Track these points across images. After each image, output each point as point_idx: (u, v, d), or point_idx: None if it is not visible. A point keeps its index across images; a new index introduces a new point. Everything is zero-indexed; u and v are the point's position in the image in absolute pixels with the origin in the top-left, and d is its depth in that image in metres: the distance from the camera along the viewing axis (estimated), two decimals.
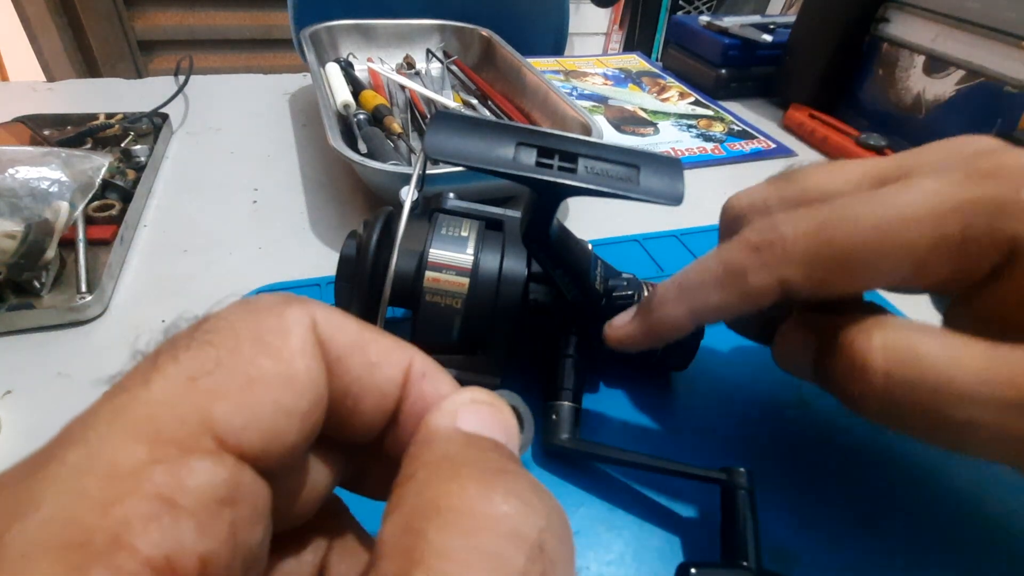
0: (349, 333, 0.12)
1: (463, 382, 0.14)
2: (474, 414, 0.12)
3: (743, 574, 0.20)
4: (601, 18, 1.88)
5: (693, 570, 0.20)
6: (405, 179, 0.37)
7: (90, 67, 1.47)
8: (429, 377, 0.13)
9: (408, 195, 0.23)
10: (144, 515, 0.08)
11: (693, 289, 0.21)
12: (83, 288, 0.32)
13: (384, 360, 0.13)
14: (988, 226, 0.17)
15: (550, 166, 0.19)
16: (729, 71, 0.66)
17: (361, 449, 0.14)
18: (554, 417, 0.25)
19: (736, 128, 0.60)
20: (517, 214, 0.27)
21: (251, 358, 0.10)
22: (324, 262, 0.37)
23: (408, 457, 0.11)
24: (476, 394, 0.13)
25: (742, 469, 0.23)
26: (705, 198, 0.36)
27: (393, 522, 0.10)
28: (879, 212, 0.18)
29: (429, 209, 0.28)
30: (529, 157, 0.19)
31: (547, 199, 0.20)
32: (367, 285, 0.25)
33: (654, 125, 0.59)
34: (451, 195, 0.28)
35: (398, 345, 0.13)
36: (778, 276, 0.19)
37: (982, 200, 0.17)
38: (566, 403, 0.25)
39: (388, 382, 0.13)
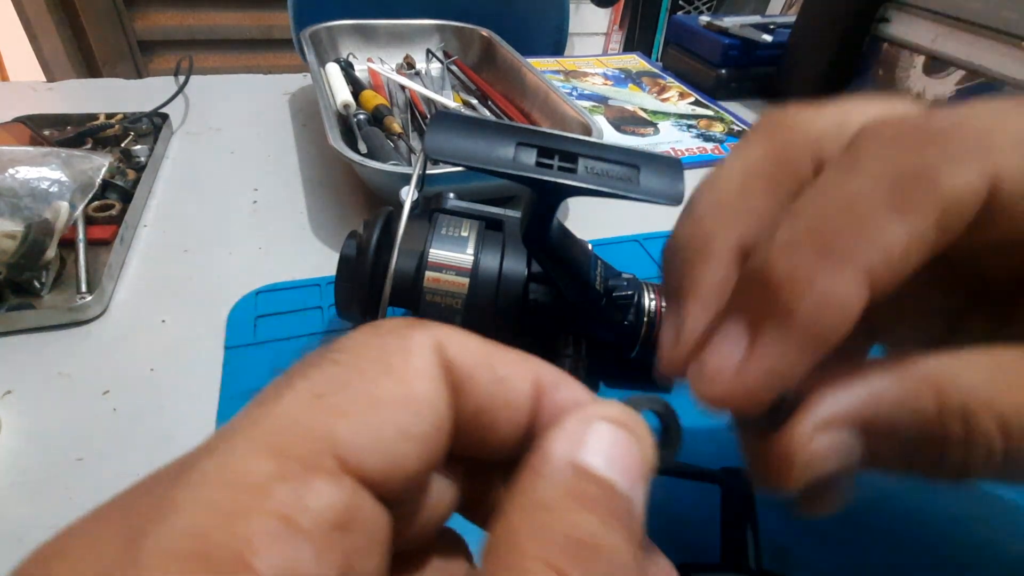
0: (474, 351, 0.12)
1: None
2: (602, 441, 0.11)
3: (743, 574, 0.20)
4: (601, 18, 1.88)
5: (693, 572, 0.20)
6: (405, 179, 0.37)
7: (90, 67, 1.47)
8: (562, 386, 0.12)
9: (408, 195, 0.23)
10: (266, 534, 0.09)
11: (842, 233, 0.12)
12: (83, 288, 0.32)
13: (511, 373, 0.12)
14: None
15: (550, 166, 0.19)
16: (729, 71, 0.66)
17: (485, 472, 0.13)
18: None
19: (736, 128, 0.60)
20: (517, 214, 0.27)
21: (374, 378, 0.11)
22: (324, 262, 0.37)
23: (515, 486, 0.10)
24: (612, 410, 0.11)
25: (743, 469, 0.23)
26: None
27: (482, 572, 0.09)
28: None
29: (429, 209, 0.28)
30: (529, 157, 0.19)
31: (547, 199, 0.20)
32: (367, 285, 0.25)
33: (654, 125, 0.59)
34: (451, 195, 0.28)
35: (523, 357, 0.12)
36: (986, 168, 0.12)
37: None
38: None
39: (518, 395, 0.12)
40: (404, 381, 0.11)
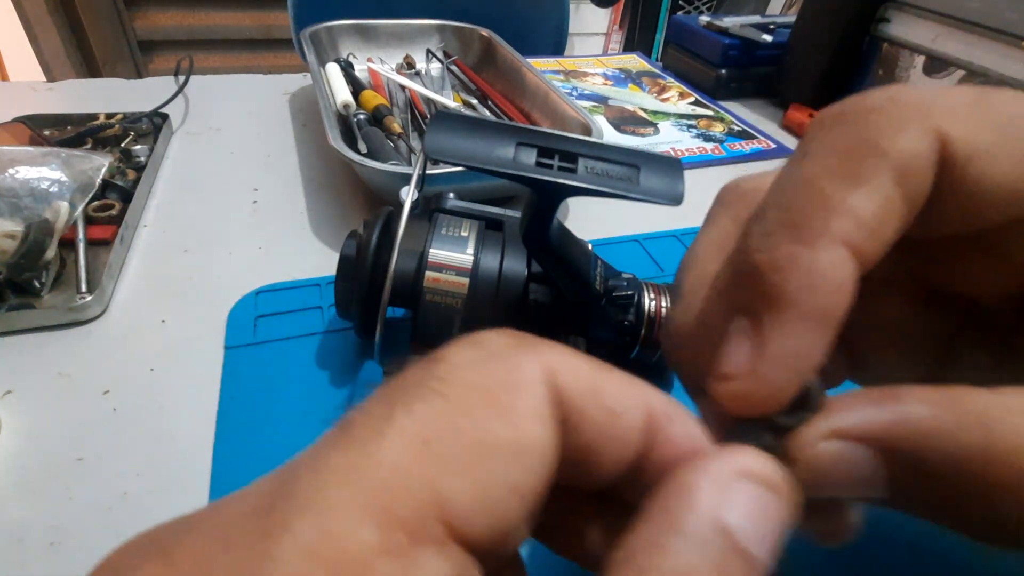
0: (584, 378, 0.11)
1: None
2: (749, 501, 0.10)
3: None
4: (601, 18, 1.88)
5: None
6: (405, 179, 0.37)
7: (90, 67, 1.47)
8: (676, 420, 0.11)
9: (408, 195, 0.23)
10: None
11: (808, 212, 0.12)
12: (83, 288, 0.32)
13: (623, 405, 0.11)
14: None
15: (550, 166, 0.19)
16: (729, 71, 0.66)
17: (571, 497, 0.12)
18: None
19: (736, 128, 0.60)
20: (517, 214, 0.27)
21: (484, 421, 0.10)
22: (324, 262, 0.37)
23: (645, 530, 0.09)
24: (751, 461, 0.10)
25: None
26: (705, 198, 0.36)
27: None
28: None
29: (429, 209, 0.28)
30: (529, 157, 0.19)
31: (547, 199, 0.20)
32: (367, 285, 0.25)
33: (654, 125, 0.59)
34: (451, 195, 0.28)
35: (633, 385, 0.12)
36: (929, 128, 0.12)
37: None
38: None
39: (630, 430, 0.11)
40: (515, 425, 0.10)
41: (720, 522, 0.09)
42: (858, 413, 0.12)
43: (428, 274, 0.24)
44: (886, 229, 0.12)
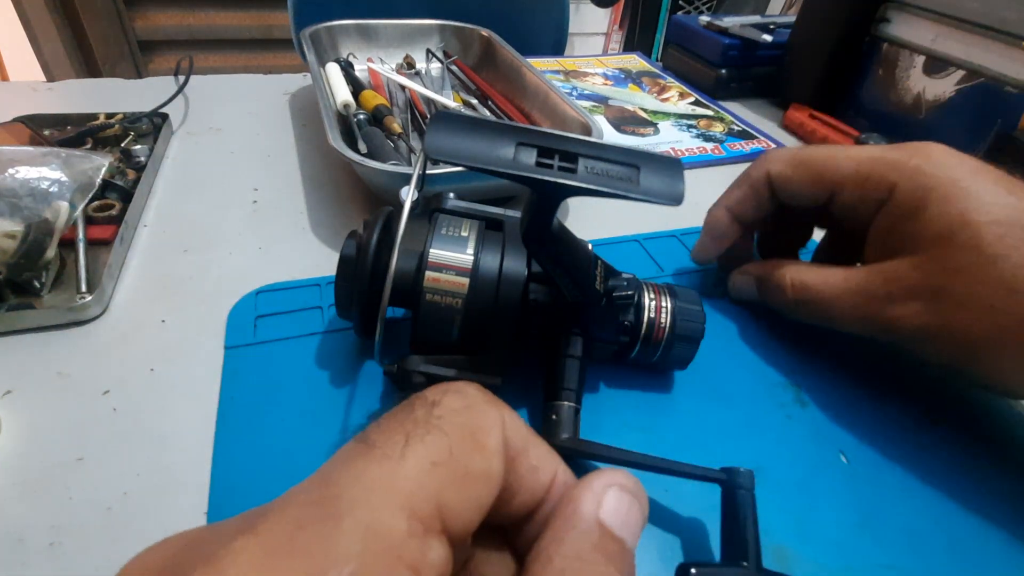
0: (520, 437, 0.15)
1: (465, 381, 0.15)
2: (617, 503, 0.14)
3: (743, 574, 0.20)
4: (601, 18, 1.88)
5: (693, 570, 0.20)
6: (405, 179, 0.37)
7: (90, 67, 1.47)
8: (571, 486, 0.15)
9: (408, 195, 0.23)
10: None
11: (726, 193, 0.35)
12: (83, 288, 0.32)
13: (541, 465, 0.15)
14: (881, 174, 0.28)
15: (550, 166, 0.19)
16: (729, 71, 0.66)
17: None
18: (554, 417, 0.25)
19: (736, 128, 0.60)
20: (517, 214, 0.27)
21: (469, 454, 0.13)
22: (324, 262, 0.37)
23: (550, 533, 0.14)
24: (622, 479, 0.15)
25: (743, 469, 0.23)
26: (705, 198, 0.36)
27: None
28: (831, 151, 0.31)
29: (429, 209, 0.28)
30: (529, 157, 0.19)
31: (547, 199, 0.20)
32: (367, 285, 0.25)
33: (654, 125, 0.59)
34: (451, 195, 0.28)
35: (550, 453, 0.16)
36: (767, 168, 0.32)
37: (886, 159, 0.28)
38: (566, 403, 0.25)
39: (540, 485, 0.15)
40: (487, 459, 0.14)
41: (597, 518, 0.14)
42: (751, 267, 0.35)
43: (428, 274, 0.24)
44: (747, 204, 0.33)
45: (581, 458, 0.25)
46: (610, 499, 0.14)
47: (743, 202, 0.33)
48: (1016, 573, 0.24)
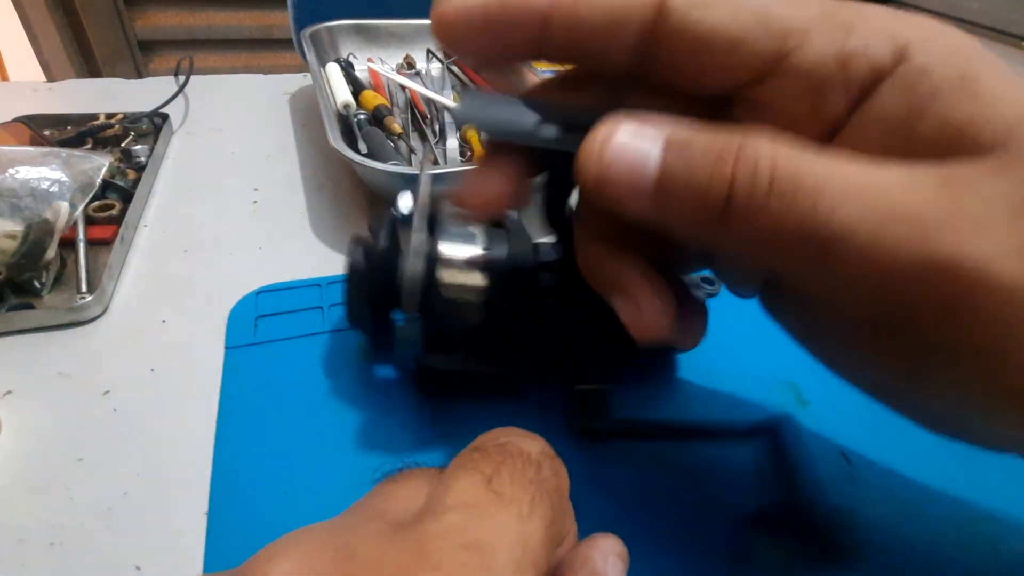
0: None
1: (485, 375, 0.17)
2: (618, 571, 0.15)
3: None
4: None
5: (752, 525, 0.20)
6: (405, 179, 0.37)
7: (90, 67, 1.47)
8: (579, 547, 0.16)
9: (419, 207, 0.24)
10: None
11: None
12: (83, 288, 0.32)
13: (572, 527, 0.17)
14: (878, 26, 0.15)
15: (577, 140, 0.19)
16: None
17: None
18: (587, 401, 0.25)
19: None
20: (515, 214, 0.27)
21: (561, 522, 0.15)
22: (324, 262, 0.37)
23: None
24: (620, 547, 0.16)
25: (786, 416, 0.23)
26: None
27: None
28: None
29: (428, 214, 0.28)
30: (553, 131, 0.19)
31: (571, 172, 0.20)
32: (380, 293, 0.24)
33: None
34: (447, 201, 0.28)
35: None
36: None
37: (875, 9, 0.16)
38: (594, 385, 0.25)
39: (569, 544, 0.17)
40: (568, 526, 0.16)
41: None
42: (652, 117, 0.16)
43: (442, 272, 0.24)
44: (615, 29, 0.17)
45: (618, 438, 0.25)
46: (615, 567, 0.15)
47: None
48: (1021, 572, 0.24)
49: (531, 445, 0.15)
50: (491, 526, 0.12)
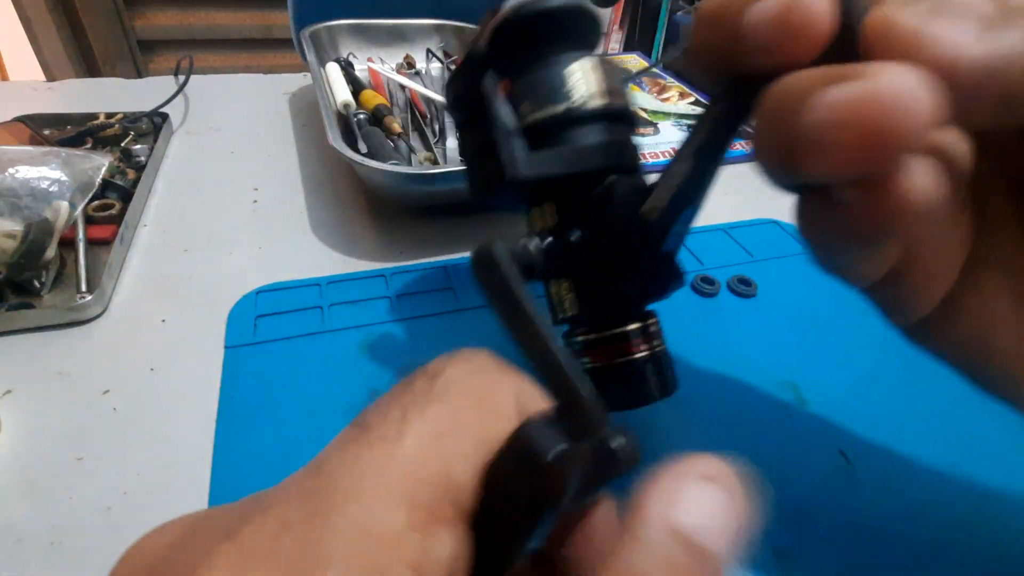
0: (538, 407, 0.13)
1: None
2: (700, 501, 0.10)
3: None
4: (601, 18, 1.88)
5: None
6: (405, 179, 0.37)
7: (90, 67, 1.47)
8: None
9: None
10: None
11: None
12: (83, 288, 0.32)
13: None
14: None
15: None
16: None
17: None
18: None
19: None
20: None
21: (479, 419, 0.12)
22: (324, 262, 0.37)
23: (597, 545, 0.12)
24: (707, 466, 0.11)
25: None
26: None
27: None
28: None
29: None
30: None
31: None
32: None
33: (654, 125, 0.59)
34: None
35: None
36: None
37: None
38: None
39: None
40: (500, 422, 0.12)
41: (670, 523, 0.10)
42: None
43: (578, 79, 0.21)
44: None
45: None
46: (691, 496, 0.10)
47: None
48: (1021, 571, 0.24)
49: (439, 361, 0.13)
50: (334, 464, 0.11)
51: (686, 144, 0.19)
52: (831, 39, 0.14)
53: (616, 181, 0.21)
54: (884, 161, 0.13)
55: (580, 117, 0.21)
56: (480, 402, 0.12)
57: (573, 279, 0.22)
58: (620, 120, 0.23)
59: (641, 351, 0.22)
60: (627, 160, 0.22)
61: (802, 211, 0.16)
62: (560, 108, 0.21)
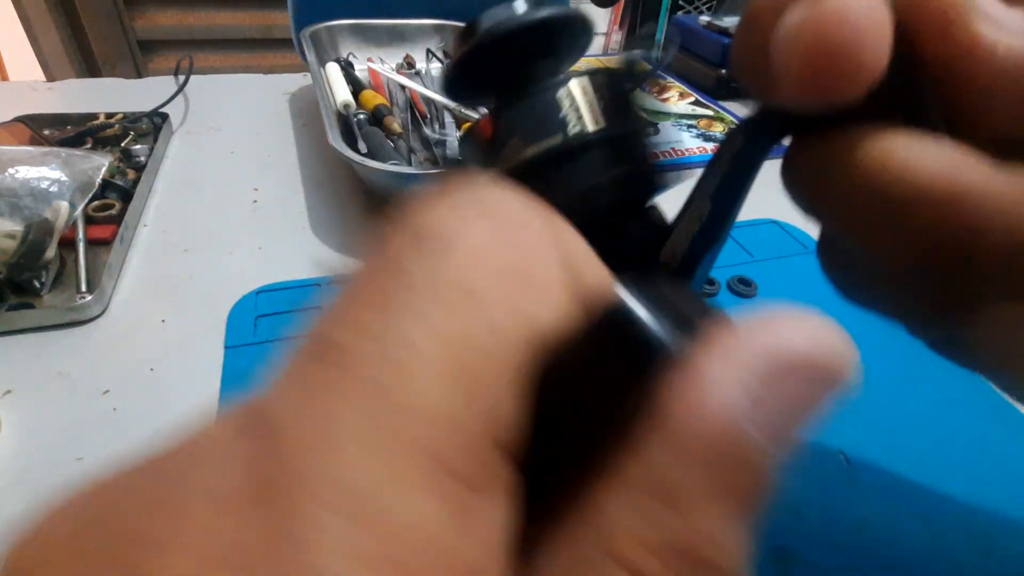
0: (593, 266, 0.09)
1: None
2: (802, 331, 0.07)
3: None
4: (601, 18, 1.88)
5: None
6: (405, 179, 0.37)
7: (90, 67, 1.47)
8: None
9: None
10: None
11: None
12: (83, 288, 0.32)
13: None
14: None
15: None
16: (729, 71, 0.66)
17: None
18: None
19: None
20: None
21: (524, 315, 0.08)
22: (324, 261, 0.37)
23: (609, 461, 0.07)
24: (773, 336, 0.08)
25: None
26: None
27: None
28: None
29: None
30: None
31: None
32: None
33: (654, 125, 0.59)
34: None
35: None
36: None
37: None
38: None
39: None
40: (553, 308, 0.08)
41: (712, 408, 0.07)
42: None
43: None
44: None
45: None
46: (793, 327, 0.07)
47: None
48: (1019, 572, 0.24)
49: (430, 208, 0.09)
50: (287, 437, 0.07)
51: (707, 177, 0.17)
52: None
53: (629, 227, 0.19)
54: (841, 86, 0.10)
55: (574, 151, 0.19)
56: (517, 285, 0.07)
57: None
58: (625, 143, 0.20)
59: None
60: (637, 192, 0.20)
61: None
62: (556, 140, 0.18)
